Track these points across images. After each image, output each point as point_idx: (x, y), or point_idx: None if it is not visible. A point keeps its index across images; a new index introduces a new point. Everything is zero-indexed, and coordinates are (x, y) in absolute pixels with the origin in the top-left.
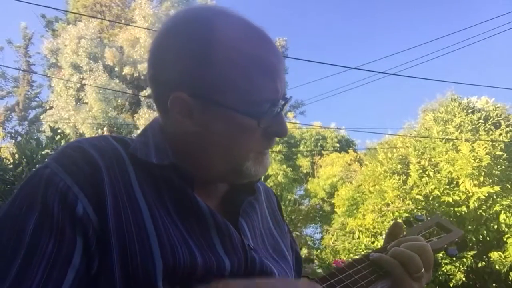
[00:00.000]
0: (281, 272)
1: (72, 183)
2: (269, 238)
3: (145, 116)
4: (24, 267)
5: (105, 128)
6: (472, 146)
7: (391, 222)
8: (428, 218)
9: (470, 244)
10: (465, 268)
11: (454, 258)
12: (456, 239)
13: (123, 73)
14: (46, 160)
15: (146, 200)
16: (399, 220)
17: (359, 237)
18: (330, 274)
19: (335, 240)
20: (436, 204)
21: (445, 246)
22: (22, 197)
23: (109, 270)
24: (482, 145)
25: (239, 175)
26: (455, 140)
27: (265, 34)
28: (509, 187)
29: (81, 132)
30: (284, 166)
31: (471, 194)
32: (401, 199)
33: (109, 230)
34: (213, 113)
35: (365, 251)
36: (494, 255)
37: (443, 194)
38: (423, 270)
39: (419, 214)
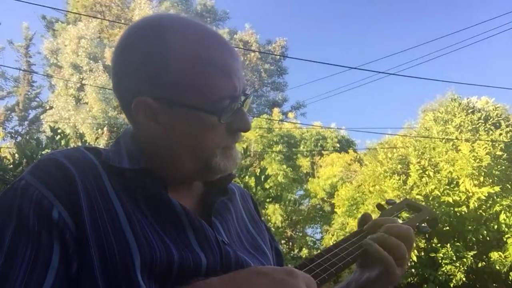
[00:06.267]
0: (258, 264)
1: (46, 191)
2: (246, 235)
3: None
4: (5, 272)
5: (105, 128)
6: (472, 146)
7: None
8: (399, 200)
9: (470, 244)
10: (465, 268)
11: (455, 258)
12: (427, 217)
13: None
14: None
15: (121, 203)
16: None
17: None
18: (318, 255)
19: (335, 240)
20: (436, 204)
21: (417, 224)
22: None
23: (90, 269)
24: (482, 145)
25: (209, 172)
26: (455, 140)
27: (218, 35)
28: (509, 187)
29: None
30: (284, 166)
31: (471, 194)
32: (401, 199)
33: (86, 231)
34: (176, 114)
35: None
36: (494, 255)
37: (443, 194)
38: (407, 255)
39: (390, 198)
